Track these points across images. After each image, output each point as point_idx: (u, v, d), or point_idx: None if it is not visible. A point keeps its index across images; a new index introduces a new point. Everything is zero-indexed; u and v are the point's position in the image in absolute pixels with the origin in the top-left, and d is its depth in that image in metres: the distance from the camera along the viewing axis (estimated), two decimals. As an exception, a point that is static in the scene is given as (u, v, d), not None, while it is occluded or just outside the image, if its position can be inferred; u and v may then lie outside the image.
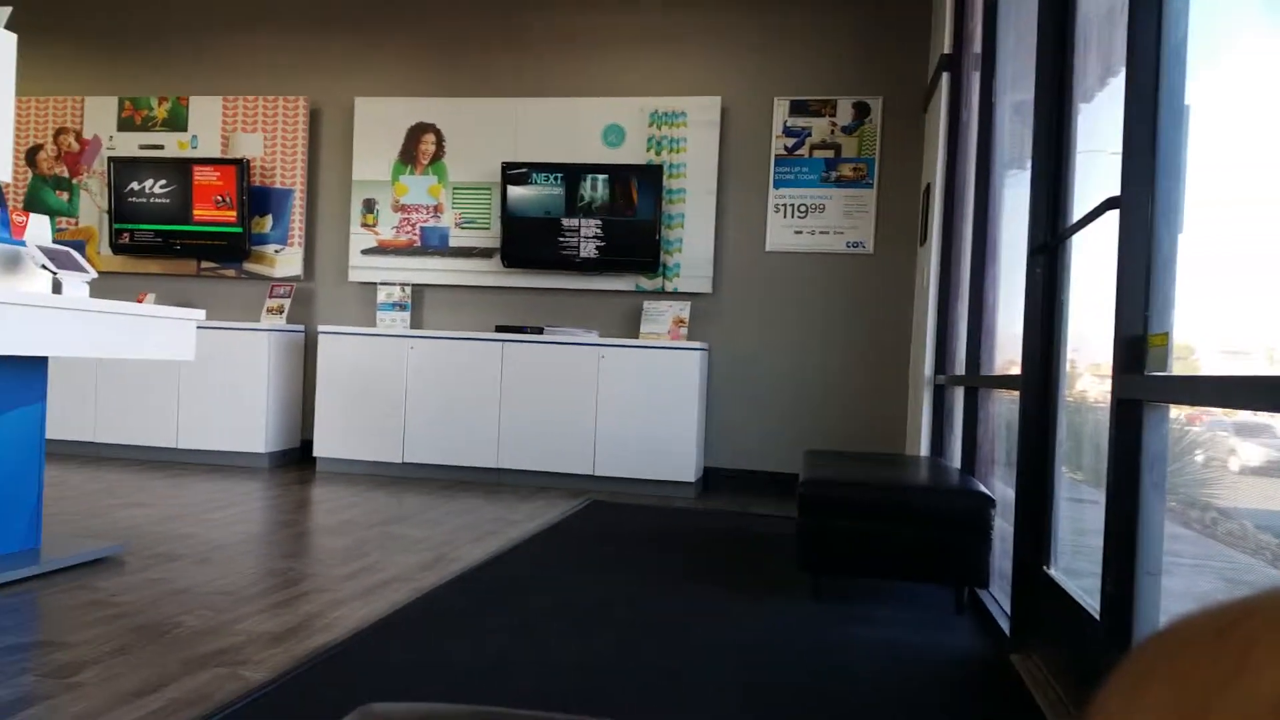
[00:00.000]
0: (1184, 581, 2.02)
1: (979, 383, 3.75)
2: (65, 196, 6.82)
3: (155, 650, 2.42)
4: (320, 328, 6.08)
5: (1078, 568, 2.57)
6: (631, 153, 6.10)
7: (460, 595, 3.10)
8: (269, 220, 6.55)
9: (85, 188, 6.79)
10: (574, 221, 6.01)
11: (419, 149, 6.37)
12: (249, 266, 6.59)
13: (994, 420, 3.78)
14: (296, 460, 6.38)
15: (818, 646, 2.72)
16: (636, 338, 5.97)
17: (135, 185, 6.53)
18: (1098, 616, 2.07)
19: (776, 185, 5.99)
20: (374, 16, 6.50)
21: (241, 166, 6.39)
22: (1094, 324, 2.45)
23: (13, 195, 6.80)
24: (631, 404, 5.64)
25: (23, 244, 3.26)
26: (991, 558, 3.10)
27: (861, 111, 5.90)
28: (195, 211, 6.47)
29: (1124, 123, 2.02)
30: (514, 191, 6.08)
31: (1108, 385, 2.06)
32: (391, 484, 5.62)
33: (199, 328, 5.85)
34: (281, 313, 6.37)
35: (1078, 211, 2.60)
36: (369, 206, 6.44)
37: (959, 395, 4.25)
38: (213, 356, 5.99)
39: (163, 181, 6.49)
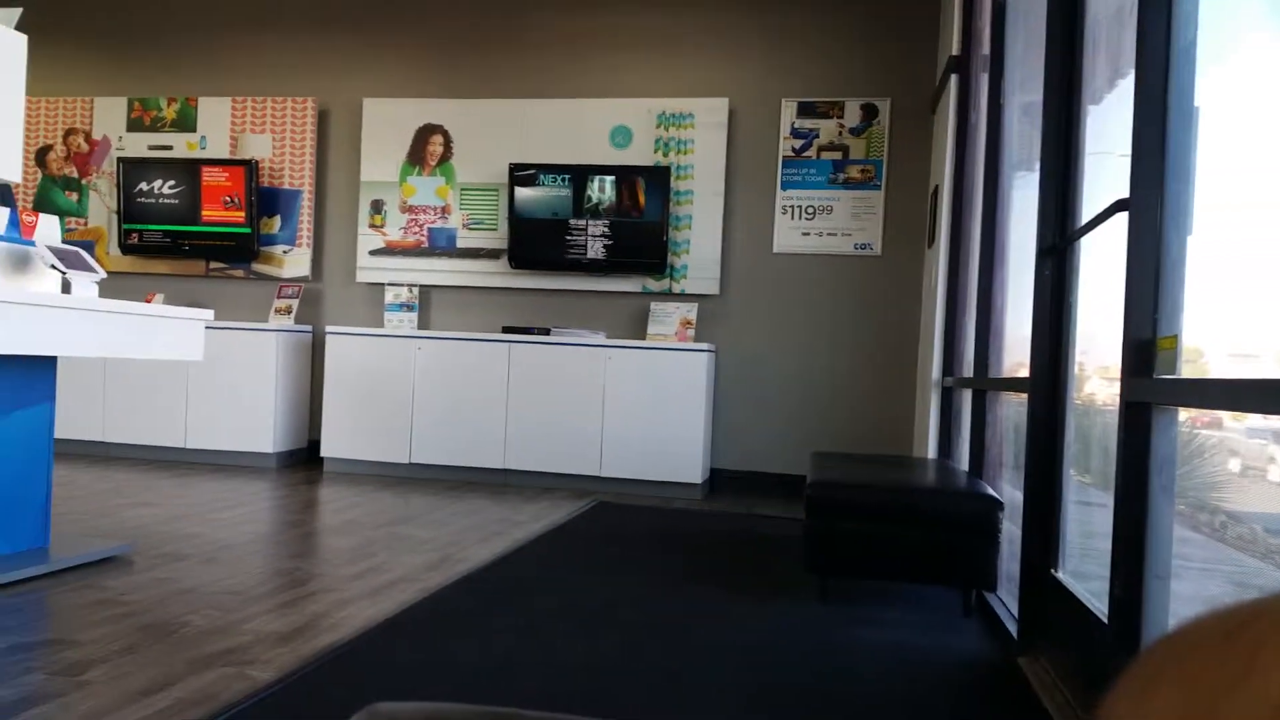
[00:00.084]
0: (1193, 585, 2.01)
1: (987, 385, 3.75)
2: (74, 197, 6.84)
3: (163, 649, 2.42)
4: (328, 328, 6.09)
5: (1086, 571, 2.56)
6: (639, 154, 6.10)
7: (467, 596, 3.11)
8: (277, 221, 6.56)
9: (94, 188, 6.82)
10: (581, 223, 6.02)
11: (427, 150, 6.38)
12: (257, 267, 6.61)
13: (1002, 423, 3.77)
14: (304, 460, 6.39)
15: (824, 648, 2.71)
16: (643, 339, 5.97)
17: (144, 186, 6.55)
18: (1106, 620, 2.07)
19: (784, 187, 5.99)
20: (382, 18, 6.51)
21: (250, 167, 6.40)
22: (1103, 326, 2.44)
23: (22, 195, 6.83)
24: (638, 405, 5.64)
25: (32, 244, 3.27)
26: (999, 561, 3.09)
27: (869, 113, 5.89)
28: (204, 212, 6.48)
29: (1133, 125, 2.01)
30: (521, 193, 6.09)
31: (1116, 388, 2.06)
32: (398, 484, 5.63)
33: (207, 328, 5.85)
34: (289, 313, 6.38)
35: (1086, 214, 2.60)
36: (377, 207, 6.45)
37: (967, 397, 4.24)
38: (221, 357, 6.00)
39: (171, 182, 6.51)
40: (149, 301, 6.36)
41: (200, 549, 3.63)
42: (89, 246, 6.65)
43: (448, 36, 6.43)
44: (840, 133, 5.92)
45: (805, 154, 5.96)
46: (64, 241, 3.48)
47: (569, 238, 6.03)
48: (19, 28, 3.41)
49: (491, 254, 6.29)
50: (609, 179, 5.98)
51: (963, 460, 4.26)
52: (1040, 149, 2.82)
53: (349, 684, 2.23)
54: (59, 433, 6.06)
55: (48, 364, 3.37)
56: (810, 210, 5.95)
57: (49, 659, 2.31)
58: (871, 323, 5.89)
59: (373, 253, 6.46)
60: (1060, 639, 2.53)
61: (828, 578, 3.28)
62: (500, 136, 6.27)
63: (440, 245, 6.37)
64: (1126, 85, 2.16)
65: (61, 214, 6.65)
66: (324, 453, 6.03)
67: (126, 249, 6.62)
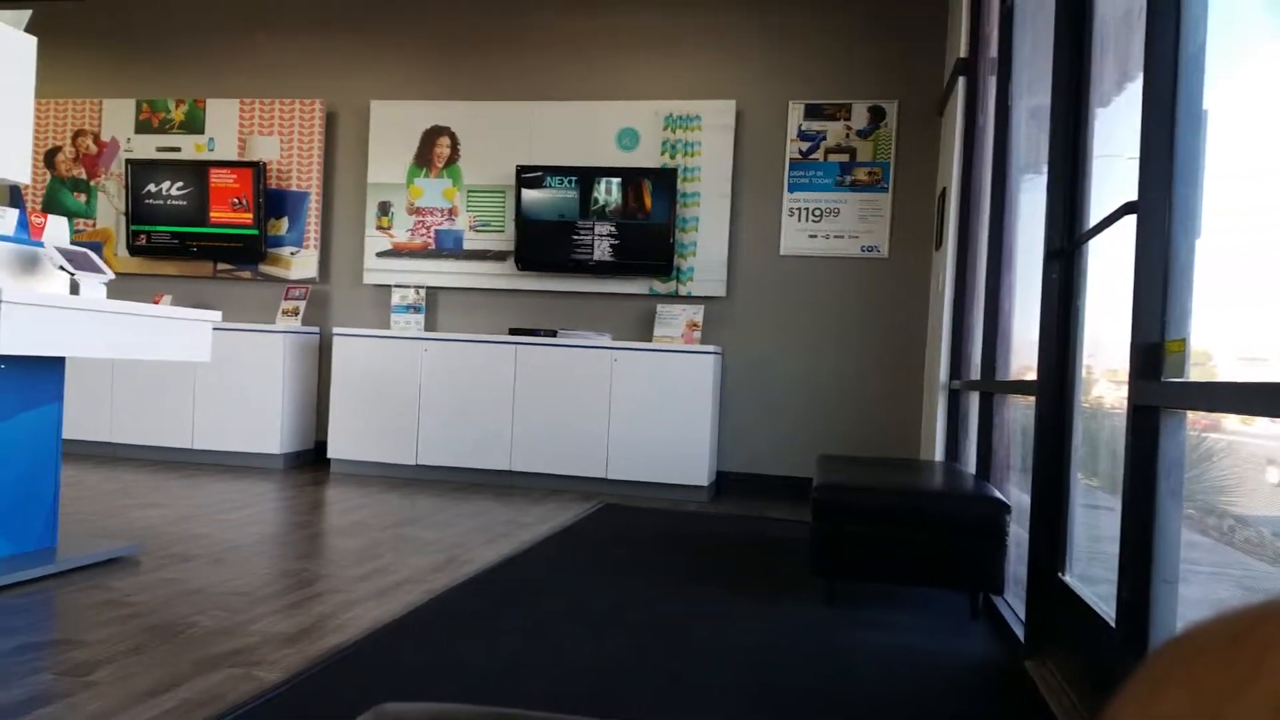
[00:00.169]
0: (1201, 589, 2.01)
1: (995, 388, 3.74)
2: (83, 198, 6.87)
3: (169, 650, 2.43)
4: (335, 330, 6.11)
5: (1093, 574, 2.56)
6: (646, 156, 6.11)
7: (473, 597, 3.11)
8: (285, 223, 6.58)
9: (103, 189, 6.84)
10: (588, 225, 6.02)
11: (434, 152, 6.39)
12: (265, 268, 6.62)
13: (1009, 426, 3.76)
14: (310, 461, 6.40)
15: (830, 651, 2.71)
16: (650, 341, 5.97)
17: (152, 187, 6.57)
18: (1113, 624, 2.06)
19: (791, 189, 5.99)
20: (390, 20, 6.53)
21: (258, 169, 6.42)
22: (1110, 330, 2.44)
23: (31, 197, 6.86)
24: (644, 407, 5.64)
25: (41, 245, 3.28)
26: (1007, 564, 3.08)
27: (877, 115, 5.89)
28: (212, 214, 6.50)
29: (1141, 128, 2.01)
30: (528, 195, 6.09)
31: (1124, 391, 2.05)
32: (404, 485, 5.64)
33: (215, 329, 5.88)
34: (297, 314, 6.39)
35: (1094, 217, 2.59)
36: (384, 209, 6.47)
37: (974, 400, 4.23)
38: (228, 358, 6.01)
39: (179, 184, 6.53)
40: (157, 303, 6.38)
41: (207, 550, 3.64)
42: (97, 248, 6.68)
43: (456, 39, 6.44)
44: (847, 135, 5.92)
45: (812, 156, 5.96)
46: (72, 243, 3.49)
47: (576, 240, 6.04)
48: (29, 30, 3.43)
49: (498, 256, 6.30)
50: (616, 181, 5.99)
51: (970, 463, 4.25)
52: (1048, 152, 2.82)
53: (356, 685, 2.24)
54: (67, 433, 6.08)
55: (56, 365, 3.38)
56: (817, 213, 5.94)
57: (56, 659, 2.32)
58: (878, 325, 5.88)
59: (380, 254, 6.47)
60: (1068, 643, 2.52)
61: (834, 580, 3.28)
62: (507, 138, 6.28)
63: (447, 247, 6.37)
64: (1135, 88, 2.16)
65: (70, 215, 6.68)
66: (331, 454, 6.04)
67: (134, 250, 6.64)
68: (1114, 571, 2.03)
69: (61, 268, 3.20)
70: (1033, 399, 2.86)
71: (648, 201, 5.95)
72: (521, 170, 6.09)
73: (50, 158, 6.89)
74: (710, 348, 5.66)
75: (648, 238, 5.96)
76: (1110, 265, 2.46)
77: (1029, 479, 2.87)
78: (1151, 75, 1.99)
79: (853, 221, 5.90)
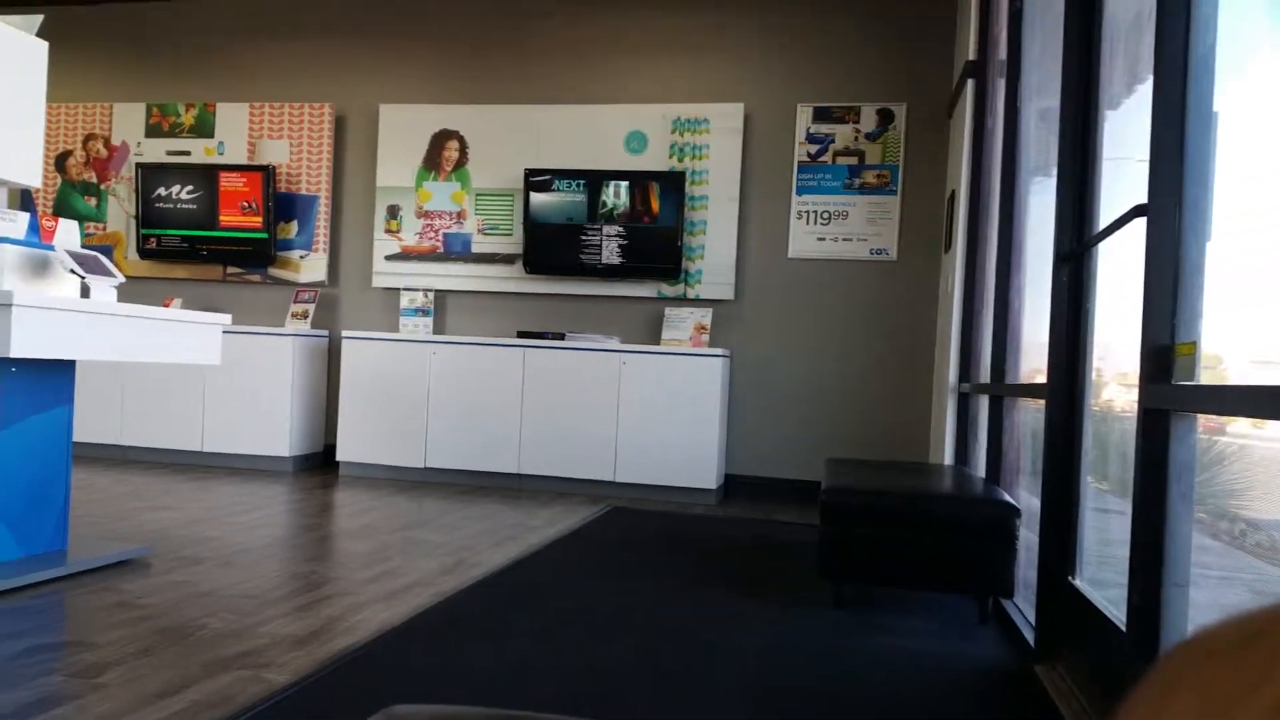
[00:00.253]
0: (1212, 594, 1.99)
1: (1004, 391, 3.73)
2: (93, 202, 6.90)
3: (179, 652, 2.43)
4: (344, 333, 6.12)
5: (1103, 578, 2.55)
6: (654, 159, 6.11)
7: (481, 600, 3.11)
8: (294, 226, 6.60)
9: (113, 193, 6.87)
10: (596, 228, 6.03)
11: (442, 155, 6.41)
12: (274, 272, 6.64)
13: (1019, 429, 3.75)
14: (319, 464, 6.42)
15: (838, 654, 2.70)
16: (658, 344, 5.97)
17: (162, 191, 6.59)
18: (1124, 628, 2.05)
19: (799, 192, 5.98)
20: (399, 24, 6.54)
21: (267, 173, 6.44)
22: (1121, 333, 2.43)
23: (42, 201, 6.89)
24: (652, 410, 5.64)
25: (51, 249, 3.30)
26: (1016, 568, 3.07)
27: (885, 118, 5.88)
28: (221, 217, 6.52)
29: (1151, 130, 2.00)
30: (536, 198, 6.10)
31: (1134, 394, 2.04)
32: (413, 488, 5.64)
33: (224, 332, 5.90)
34: (306, 318, 6.41)
35: (1104, 219, 2.58)
36: (393, 212, 6.48)
37: (984, 403, 4.22)
38: (238, 361, 6.03)
39: (189, 187, 6.56)
40: (167, 306, 6.40)
41: (217, 552, 3.65)
42: (108, 251, 6.70)
43: (464, 43, 6.45)
44: (856, 138, 5.91)
45: (821, 159, 5.95)
46: (83, 246, 3.51)
47: (584, 243, 6.04)
48: (40, 35, 3.45)
49: (506, 259, 6.31)
50: (624, 184, 5.99)
51: (979, 467, 4.24)
52: (1058, 154, 2.81)
53: (364, 687, 2.24)
54: (77, 436, 6.10)
55: (67, 368, 3.39)
56: (826, 215, 5.94)
57: (66, 661, 2.32)
58: (887, 328, 5.87)
59: (389, 258, 6.48)
60: (1078, 646, 2.51)
61: (842, 584, 3.27)
62: (516, 142, 6.29)
63: (455, 250, 6.39)
64: (1145, 90, 2.15)
65: (80, 219, 6.71)
66: (339, 457, 6.06)
67: (145, 254, 6.67)
68: (1124, 575, 2.03)
69: (72, 271, 3.21)
70: (1042, 402, 2.85)
71: (655, 205, 5.95)
72: (530, 174, 6.10)
73: (61, 162, 6.93)
74: (718, 351, 5.66)
75: (656, 241, 5.96)
76: (1120, 268, 2.45)
77: (1039, 482, 2.86)
78: (1161, 77, 1.98)
79: (861, 224, 5.89)
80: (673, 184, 5.95)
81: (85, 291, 3.36)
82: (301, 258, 6.60)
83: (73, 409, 3.43)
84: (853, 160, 5.91)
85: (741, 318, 6.06)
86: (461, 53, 6.46)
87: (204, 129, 6.73)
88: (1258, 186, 1.93)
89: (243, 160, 6.65)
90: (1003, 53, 4.26)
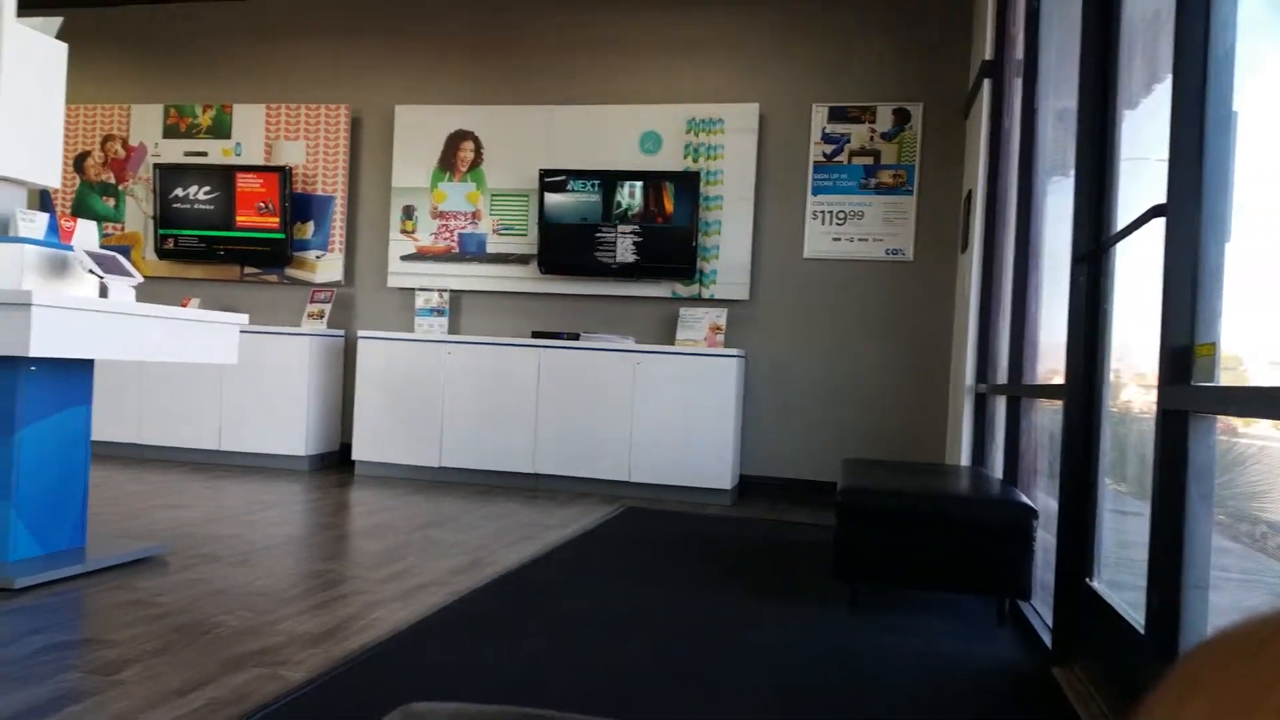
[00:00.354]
0: (1232, 596, 1.98)
1: (1021, 392, 3.71)
2: (111, 202, 6.94)
3: (196, 650, 2.45)
4: (360, 333, 6.14)
5: (1121, 581, 2.53)
6: (669, 160, 6.11)
7: (496, 599, 3.12)
8: (310, 226, 6.63)
9: (131, 194, 6.91)
10: (611, 228, 6.03)
11: (458, 156, 6.42)
12: (290, 272, 6.67)
13: (1036, 430, 3.73)
14: (336, 463, 6.44)
15: (853, 655, 2.70)
16: (673, 344, 5.97)
17: (180, 191, 6.63)
18: (1142, 630, 2.04)
19: (815, 192, 5.97)
20: (414, 26, 6.56)
21: (284, 173, 6.47)
22: (1139, 333, 2.42)
23: (61, 201, 6.94)
24: (667, 410, 5.64)
25: (70, 249, 3.32)
26: (1034, 569, 3.06)
27: (902, 118, 5.86)
28: (238, 217, 6.56)
29: (1170, 129, 1.99)
30: (551, 198, 6.11)
31: (1153, 396, 2.03)
32: (428, 488, 5.66)
33: (241, 332, 5.93)
34: (322, 318, 6.44)
35: (1122, 219, 2.57)
36: (408, 213, 6.50)
37: (1001, 404, 4.21)
38: (255, 361, 6.06)
39: (207, 188, 6.60)
40: (184, 306, 6.44)
41: (234, 550, 3.66)
42: (126, 251, 6.75)
43: (479, 44, 6.46)
44: (872, 138, 5.90)
45: (836, 159, 5.94)
46: (101, 246, 3.53)
47: (598, 243, 6.05)
48: (59, 37, 3.47)
49: (521, 259, 6.32)
50: (639, 184, 5.99)
51: (997, 468, 4.22)
52: (1075, 154, 2.80)
53: (380, 685, 2.25)
54: (95, 435, 6.14)
55: (85, 367, 3.42)
56: (841, 215, 5.92)
57: (85, 658, 2.34)
58: (903, 329, 5.85)
59: (404, 258, 6.50)
60: (1096, 649, 2.50)
61: (858, 585, 3.26)
62: (530, 142, 6.30)
63: (470, 250, 6.40)
64: (1163, 90, 2.14)
65: (99, 219, 6.76)
66: (355, 456, 6.08)
67: (162, 254, 6.71)
68: (1142, 578, 2.01)
69: (91, 271, 3.23)
70: (1060, 403, 2.84)
71: (670, 205, 5.95)
72: (544, 174, 6.11)
73: (79, 162, 6.97)
74: (733, 351, 5.65)
75: (670, 241, 5.96)
76: (1138, 268, 2.44)
77: (1056, 484, 2.84)
78: (1180, 76, 1.97)
79: (877, 224, 5.88)
80: (687, 184, 5.95)
81: (104, 291, 3.38)
82: (318, 258, 6.63)
83: (91, 408, 3.45)
84: (868, 160, 5.90)
85: (756, 318, 6.05)
86: (476, 54, 6.47)
87: (221, 130, 6.77)
88: (1277, 185, 1.92)
89: (259, 161, 6.68)
90: (1020, 52, 4.24)
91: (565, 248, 6.11)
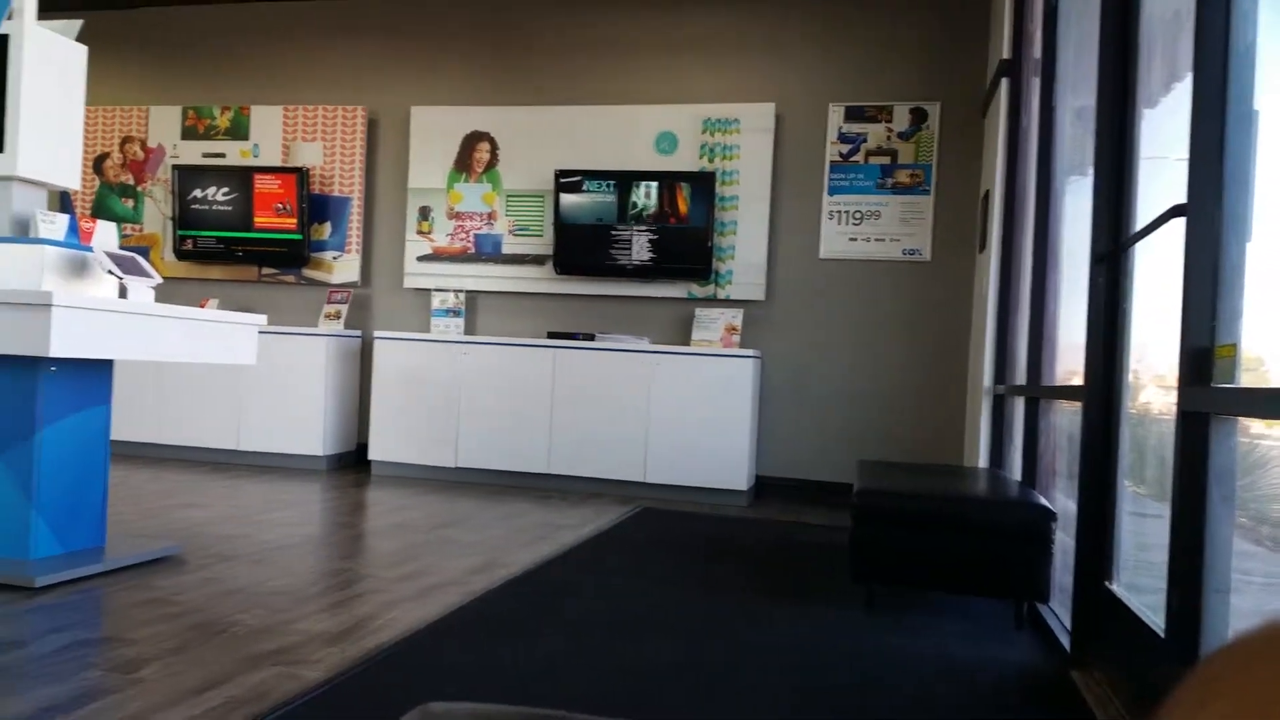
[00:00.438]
0: (1254, 600, 1.96)
1: (1040, 393, 3.69)
2: (130, 203, 6.99)
3: (214, 648, 2.46)
4: (376, 333, 6.16)
5: (1140, 584, 2.51)
6: (684, 160, 6.10)
7: (512, 599, 3.12)
8: (328, 227, 6.66)
9: (150, 195, 6.96)
10: (626, 229, 6.03)
11: (473, 157, 6.44)
12: (308, 273, 6.70)
13: (1055, 431, 3.71)
14: (352, 463, 6.47)
15: (869, 657, 2.69)
16: (688, 345, 5.96)
17: (198, 193, 6.67)
18: (1162, 634, 2.02)
19: (831, 192, 5.95)
20: (430, 27, 6.58)
21: (301, 175, 6.50)
22: (1159, 334, 2.40)
23: (80, 203, 6.99)
24: (683, 411, 5.63)
25: (90, 250, 3.35)
26: (1052, 572, 3.04)
27: (919, 117, 5.84)
28: (256, 219, 6.59)
29: (1190, 128, 1.97)
30: (567, 199, 6.11)
31: (1173, 397, 2.02)
32: (445, 488, 5.67)
33: (259, 333, 5.96)
34: (339, 318, 6.46)
35: (1141, 219, 2.55)
36: (424, 214, 6.52)
37: (1019, 406, 4.18)
38: (272, 361, 6.09)
39: (225, 189, 6.63)
40: (203, 306, 6.48)
41: (251, 550, 3.68)
42: (145, 252, 6.79)
43: (495, 45, 6.48)
44: (889, 137, 5.88)
45: (853, 159, 5.92)
46: (120, 247, 3.55)
47: (614, 243, 6.05)
48: (79, 39, 3.50)
49: (537, 260, 6.32)
50: (654, 185, 5.99)
51: (1015, 470, 4.20)
52: (1094, 153, 2.78)
53: (397, 684, 2.25)
54: (115, 435, 6.19)
55: (105, 367, 3.44)
56: (858, 215, 5.90)
57: (105, 656, 2.36)
58: (921, 329, 5.83)
59: (420, 259, 6.52)
60: (1114, 652, 2.48)
61: (875, 587, 3.25)
62: (546, 143, 6.31)
63: (486, 251, 6.41)
64: (1183, 88, 2.12)
65: (118, 220, 6.81)
66: (372, 456, 6.10)
67: (181, 255, 6.75)
68: (1162, 580, 2.00)
69: (110, 272, 3.26)
70: (1079, 404, 2.82)
71: (686, 205, 5.95)
72: (560, 175, 6.12)
73: (99, 164, 7.03)
74: (749, 352, 5.64)
75: (686, 241, 5.96)
76: (1158, 268, 2.42)
77: (1075, 486, 2.82)
78: (1200, 74, 1.95)
79: (894, 224, 5.85)
80: (703, 184, 5.94)
81: (123, 292, 3.40)
82: (335, 259, 6.65)
83: (110, 408, 3.47)
84: (885, 160, 5.88)
85: (772, 319, 6.04)
86: (492, 55, 6.48)
87: (239, 131, 6.81)
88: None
89: (277, 162, 6.71)
90: (1038, 51, 4.22)
91: (581, 248, 6.11)
